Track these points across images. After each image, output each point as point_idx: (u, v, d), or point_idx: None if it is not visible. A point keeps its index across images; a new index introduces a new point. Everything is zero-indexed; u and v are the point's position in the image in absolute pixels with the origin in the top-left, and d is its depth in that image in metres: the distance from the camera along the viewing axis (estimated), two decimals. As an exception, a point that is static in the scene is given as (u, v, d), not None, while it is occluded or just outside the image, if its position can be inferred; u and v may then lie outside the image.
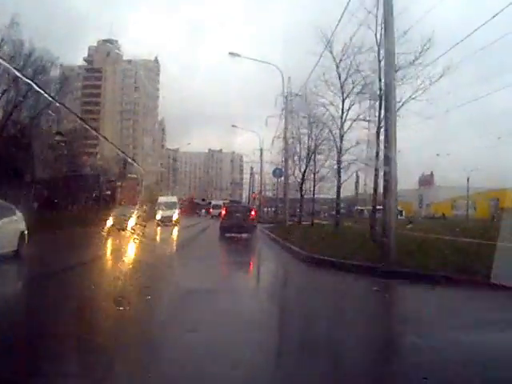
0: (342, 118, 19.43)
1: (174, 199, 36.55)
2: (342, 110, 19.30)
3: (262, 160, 40.09)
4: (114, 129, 76.71)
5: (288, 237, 17.75)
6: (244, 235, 21.65)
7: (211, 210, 47.87)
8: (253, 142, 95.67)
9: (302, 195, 26.52)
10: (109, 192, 59.06)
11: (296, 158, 26.16)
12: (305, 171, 25.33)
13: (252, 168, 52.01)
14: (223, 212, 23.34)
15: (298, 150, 25.89)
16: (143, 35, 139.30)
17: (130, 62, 79.27)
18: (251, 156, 50.91)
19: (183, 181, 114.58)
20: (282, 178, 29.11)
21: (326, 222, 31.15)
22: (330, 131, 20.61)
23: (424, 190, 71.11)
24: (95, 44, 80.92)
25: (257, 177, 52.98)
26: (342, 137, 19.45)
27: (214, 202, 50.70)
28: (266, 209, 49.49)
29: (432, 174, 68.44)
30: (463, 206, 62.98)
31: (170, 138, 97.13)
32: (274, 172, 30.64)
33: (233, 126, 45.22)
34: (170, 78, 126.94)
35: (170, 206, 32.63)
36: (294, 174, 26.44)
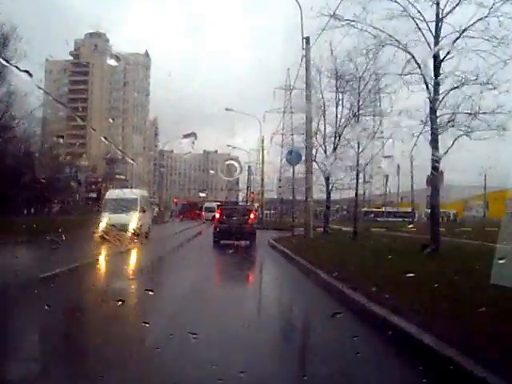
0: (437, 24, 11.30)
1: (135, 194, 22.31)
2: (437, 13, 11.29)
3: (262, 149, 34.56)
4: (102, 127, 72.22)
5: (346, 272, 8.61)
6: (242, 244, 18.32)
7: (203, 213, 43.06)
8: (250, 143, 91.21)
9: (328, 191, 19.68)
10: (94, 194, 54.84)
11: (319, 136, 19.33)
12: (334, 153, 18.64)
13: (249, 167, 47.46)
14: (217, 215, 19.52)
15: (321, 125, 19.39)
16: (134, 31, 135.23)
17: (119, 55, 74.75)
18: (249, 157, 46.58)
19: (178, 182, 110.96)
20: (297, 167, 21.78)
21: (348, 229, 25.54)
22: (413, 57, 11.81)
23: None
24: (82, 37, 76.53)
25: (253, 178, 48.68)
26: (438, 65, 11.35)
27: (206, 204, 45.74)
28: (266, 212, 45.07)
29: (442, 173, 63.90)
30: (476, 207, 59.12)
31: (164, 139, 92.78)
32: (288, 156, 20.66)
33: (227, 109, 37.91)
34: (164, 77, 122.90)
35: (125, 205, 20.15)
36: (315, 160, 18.74)
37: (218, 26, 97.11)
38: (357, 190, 19.05)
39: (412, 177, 42.14)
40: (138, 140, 75.85)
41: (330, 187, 20.01)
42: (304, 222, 18.56)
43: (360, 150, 17.26)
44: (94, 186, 56.05)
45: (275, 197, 45.56)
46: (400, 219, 44.38)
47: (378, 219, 44.62)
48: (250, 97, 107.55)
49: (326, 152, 19.47)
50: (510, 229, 7.03)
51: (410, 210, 49.35)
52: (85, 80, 76.91)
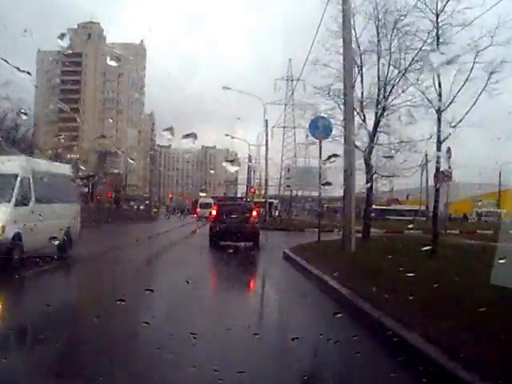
0: None
1: (13, 168, 10.53)
2: None
3: (267, 133, 30.61)
4: (95, 119, 69.55)
5: None
6: (242, 249, 14.93)
7: (198, 210, 40.00)
8: (250, 134, 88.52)
9: (370, 181, 13.85)
10: (85, 189, 52.18)
11: (355, 101, 13.83)
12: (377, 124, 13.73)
13: (250, 157, 44.52)
14: (214, 212, 16.72)
15: (358, 87, 14.18)
16: (130, 25, 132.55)
17: (113, 44, 71.94)
18: (249, 148, 43.77)
19: (175, 177, 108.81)
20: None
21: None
22: None
23: (441, 187, 64.24)
24: (75, 27, 73.52)
25: (253, 171, 45.85)
26: None
27: (202, 200, 42.59)
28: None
29: (450, 169, 61.29)
30: (487, 206, 56.69)
31: (161, 133, 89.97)
32: (313, 127, 13.81)
33: (224, 87, 33.76)
34: (160, 71, 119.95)
35: None
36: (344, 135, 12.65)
37: (216, 16, 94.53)
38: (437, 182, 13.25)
39: (426, 171, 39.40)
40: (133, 133, 73.00)
41: (372, 174, 14.18)
42: (343, 225, 12.15)
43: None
44: (86, 181, 53.45)
45: (275, 193, 42.83)
46: (410, 218, 41.74)
47: (389, 217, 41.95)
48: (250, 91, 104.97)
49: (364, 122, 13.98)
50: None
51: (420, 208, 46.87)
52: (77, 71, 74.08)
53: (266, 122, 31.39)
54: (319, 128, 13.61)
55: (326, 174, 15.26)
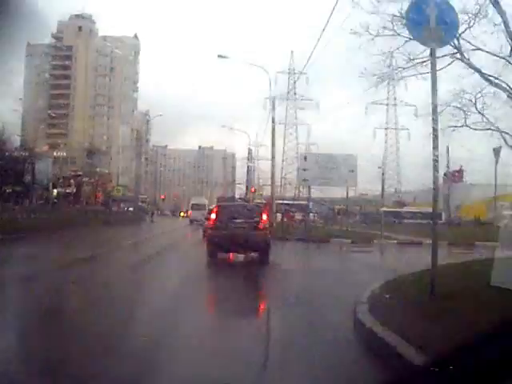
0: None
1: None
2: None
3: (273, 124, 24.58)
4: (85, 115, 66.01)
5: None
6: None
7: (190, 212, 35.48)
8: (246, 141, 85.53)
9: None
10: (72, 190, 49.00)
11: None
12: None
13: (250, 157, 41.13)
14: (213, 215, 12.78)
15: None
16: (124, 18, 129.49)
17: (105, 38, 68.39)
18: (249, 140, 40.61)
19: (171, 178, 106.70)
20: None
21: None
22: None
23: (451, 188, 61.10)
24: (66, 19, 70.02)
25: (254, 166, 42.67)
26: None
27: (194, 200, 37.74)
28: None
29: (461, 170, 58.06)
30: (500, 208, 53.63)
31: (159, 135, 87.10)
32: (414, 11, 5.83)
33: (219, 56, 25.42)
34: (156, 68, 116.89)
35: None
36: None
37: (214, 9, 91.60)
38: None
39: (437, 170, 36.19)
40: (126, 131, 69.37)
41: None
42: None
43: None
44: (73, 181, 50.26)
45: (278, 193, 39.79)
46: (425, 221, 38.06)
47: (405, 221, 38.49)
48: (250, 87, 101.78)
49: None
50: None
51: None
52: (68, 65, 70.49)
53: (273, 100, 25.36)
54: (428, 17, 5.79)
55: (350, 159, 11.39)
